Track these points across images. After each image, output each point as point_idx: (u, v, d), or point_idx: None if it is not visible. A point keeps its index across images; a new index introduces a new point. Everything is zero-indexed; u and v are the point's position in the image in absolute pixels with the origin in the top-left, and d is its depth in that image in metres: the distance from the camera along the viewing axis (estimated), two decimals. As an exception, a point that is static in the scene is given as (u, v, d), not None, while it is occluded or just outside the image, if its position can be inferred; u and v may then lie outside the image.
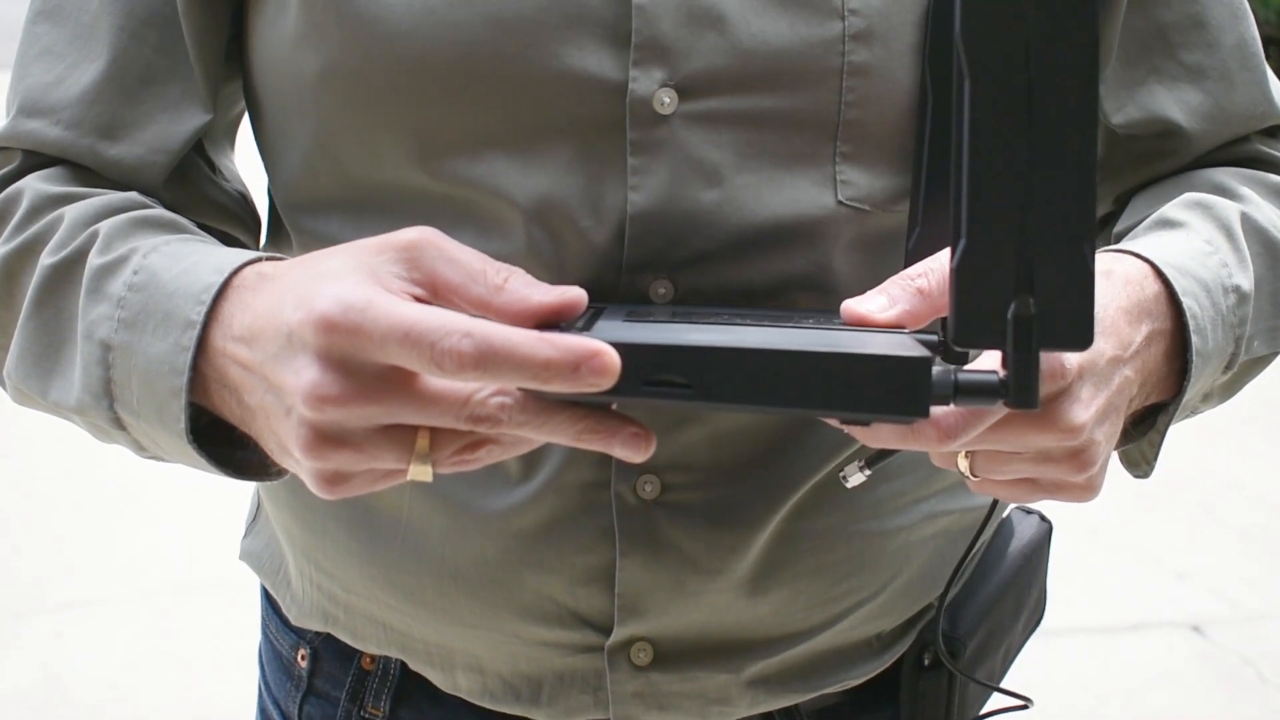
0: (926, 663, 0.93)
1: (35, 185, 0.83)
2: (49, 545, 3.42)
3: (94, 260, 0.76)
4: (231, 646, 2.92)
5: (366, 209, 0.82)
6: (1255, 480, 3.89)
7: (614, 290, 0.79)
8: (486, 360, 0.59)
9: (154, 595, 3.21)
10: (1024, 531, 1.01)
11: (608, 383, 0.60)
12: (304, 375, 0.62)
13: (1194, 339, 0.78)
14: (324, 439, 0.63)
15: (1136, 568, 3.47)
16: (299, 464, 0.65)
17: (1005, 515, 1.02)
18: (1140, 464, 0.85)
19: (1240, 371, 0.87)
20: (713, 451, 0.82)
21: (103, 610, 3.14)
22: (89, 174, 0.85)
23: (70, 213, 0.80)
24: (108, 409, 0.75)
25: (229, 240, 0.90)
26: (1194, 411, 0.87)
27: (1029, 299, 0.62)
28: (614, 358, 0.60)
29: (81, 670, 2.92)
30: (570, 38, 0.76)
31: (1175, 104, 0.91)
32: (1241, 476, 3.93)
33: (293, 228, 0.87)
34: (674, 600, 0.84)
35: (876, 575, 0.89)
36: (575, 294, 0.64)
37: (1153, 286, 0.77)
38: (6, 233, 0.82)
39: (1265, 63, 0.95)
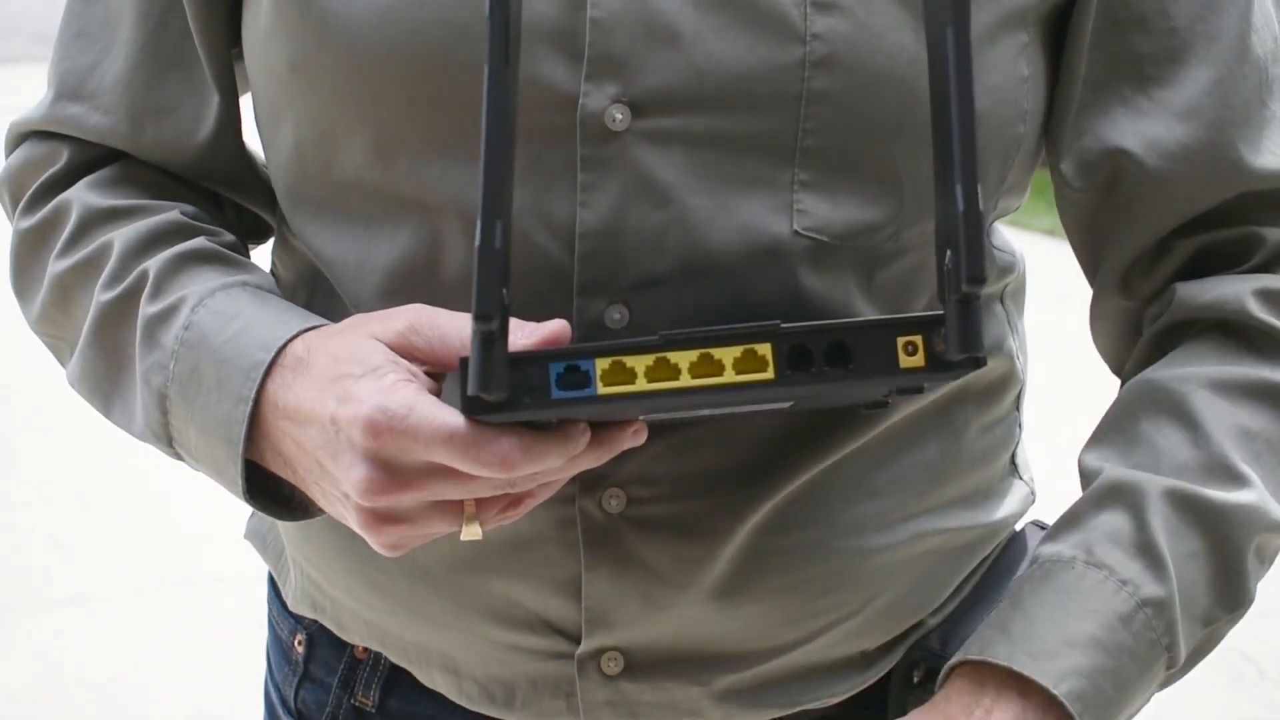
0: (916, 679, 0.91)
1: (83, 198, 0.87)
2: (50, 541, 3.42)
3: (146, 308, 0.82)
4: (232, 643, 2.92)
5: (325, 209, 0.84)
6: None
7: (567, 315, 0.77)
8: (530, 463, 0.69)
9: (155, 591, 3.21)
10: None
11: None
12: (353, 472, 0.71)
13: None
14: (380, 519, 0.73)
15: (1138, 564, 3.46)
16: (359, 534, 0.75)
17: (1019, 531, 0.97)
18: None
19: (1201, 648, 0.87)
20: (676, 462, 0.81)
21: (104, 606, 3.15)
22: (131, 165, 0.89)
23: (119, 241, 0.85)
24: (168, 446, 0.83)
25: (259, 225, 0.95)
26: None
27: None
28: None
29: (82, 666, 2.92)
30: (525, 47, 0.75)
31: (1133, 135, 0.83)
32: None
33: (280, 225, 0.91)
34: (642, 613, 0.84)
35: (856, 594, 0.87)
36: (556, 327, 0.70)
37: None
38: (59, 247, 0.87)
39: (1270, 111, 0.84)
